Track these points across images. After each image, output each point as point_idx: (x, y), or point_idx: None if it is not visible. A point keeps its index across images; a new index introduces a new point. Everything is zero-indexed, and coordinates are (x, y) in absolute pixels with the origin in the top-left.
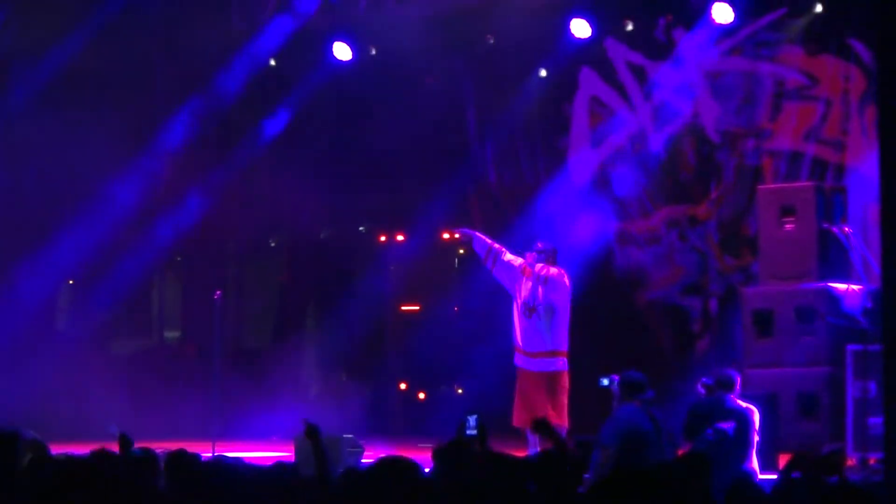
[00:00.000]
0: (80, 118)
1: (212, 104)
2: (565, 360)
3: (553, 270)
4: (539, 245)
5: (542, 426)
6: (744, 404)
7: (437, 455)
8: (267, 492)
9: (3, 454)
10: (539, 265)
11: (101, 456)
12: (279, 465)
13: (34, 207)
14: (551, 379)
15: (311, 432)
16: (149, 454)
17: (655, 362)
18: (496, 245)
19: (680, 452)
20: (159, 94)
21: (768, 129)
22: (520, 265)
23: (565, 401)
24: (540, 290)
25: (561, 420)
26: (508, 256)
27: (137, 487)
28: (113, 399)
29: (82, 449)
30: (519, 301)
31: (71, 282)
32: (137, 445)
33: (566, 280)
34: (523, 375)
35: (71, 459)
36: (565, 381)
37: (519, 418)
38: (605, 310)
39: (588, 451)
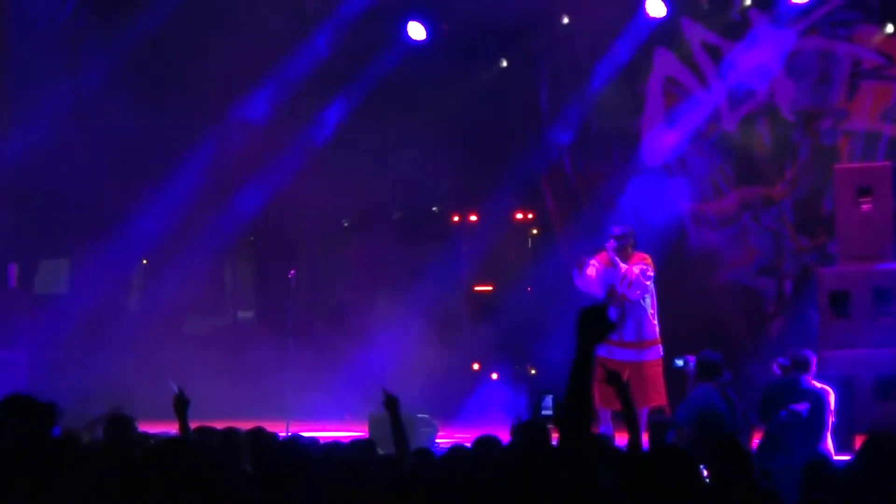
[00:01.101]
0: (153, 97)
1: (285, 84)
2: (660, 347)
3: (635, 270)
4: (616, 230)
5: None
6: (819, 385)
7: (515, 433)
8: (344, 470)
9: (38, 427)
10: (623, 253)
11: (186, 436)
12: (355, 444)
13: (108, 186)
14: (649, 366)
15: (390, 403)
16: (233, 434)
17: (729, 344)
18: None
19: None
20: (232, 73)
21: (844, 109)
22: (601, 263)
23: (662, 381)
24: (626, 281)
25: (661, 401)
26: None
27: (223, 467)
28: (186, 379)
29: (155, 428)
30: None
31: (145, 262)
32: (215, 425)
33: (650, 272)
34: (610, 364)
35: (157, 438)
36: (661, 366)
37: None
38: (679, 291)
39: (664, 432)
